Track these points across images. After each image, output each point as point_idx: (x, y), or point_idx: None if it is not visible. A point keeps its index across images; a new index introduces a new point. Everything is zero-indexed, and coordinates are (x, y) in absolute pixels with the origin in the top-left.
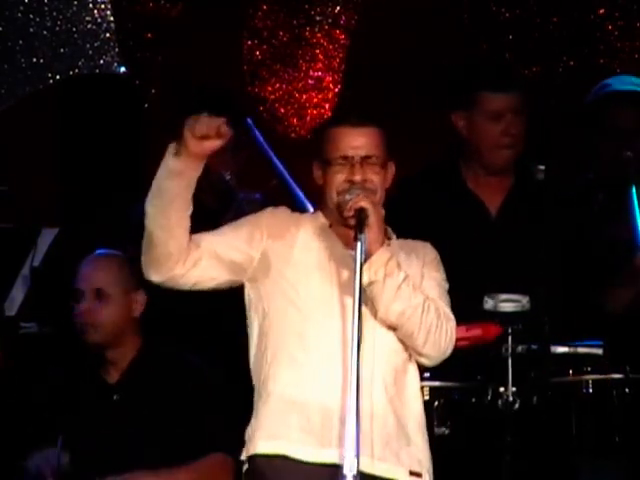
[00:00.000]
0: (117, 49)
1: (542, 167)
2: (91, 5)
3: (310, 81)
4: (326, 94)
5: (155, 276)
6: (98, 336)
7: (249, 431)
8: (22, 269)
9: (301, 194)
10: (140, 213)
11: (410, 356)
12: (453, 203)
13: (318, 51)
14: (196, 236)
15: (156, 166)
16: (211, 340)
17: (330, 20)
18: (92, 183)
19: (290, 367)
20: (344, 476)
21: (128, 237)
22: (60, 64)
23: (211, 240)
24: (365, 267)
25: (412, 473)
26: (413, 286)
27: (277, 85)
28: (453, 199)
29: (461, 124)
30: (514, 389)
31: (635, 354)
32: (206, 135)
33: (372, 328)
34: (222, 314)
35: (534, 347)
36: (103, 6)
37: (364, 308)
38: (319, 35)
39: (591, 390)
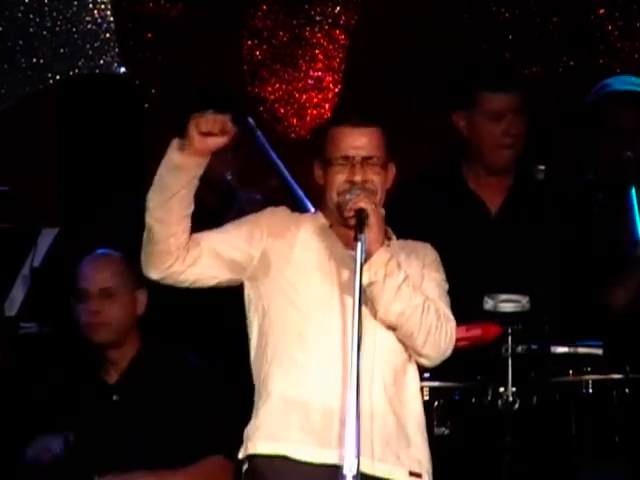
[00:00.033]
0: (117, 49)
1: (542, 167)
2: (91, 5)
3: (310, 81)
4: (326, 94)
5: (154, 273)
6: (107, 335)
7: (248, 430)
8: (22, 269)
9: (302, 194)
10: (140, 213)
11: (410, 356)
12: (454, 203)
13: (318, 51)
14: (196, 234)
15: (156, 166)
16: (211, 340)
17: (330, 20)
18: (92, 183)
19: (290, 367)
20: (344, 476)
21: (128, 237)
22: (60, 64)
23: (211, 238)
24: (365, 267)
25: (412, 474)
26: (413, 287)
27: (277, 85)
28: (454, 199)
29: (462, 124)
30: (514, 389)
31: (635, 354)
32: (211, 132)
33: (372, 328)
34: (222, 314)
35: (534, 347)
36: (103, 6)
37: (364, 308)
38: (319, 35)
39: (591, 390)
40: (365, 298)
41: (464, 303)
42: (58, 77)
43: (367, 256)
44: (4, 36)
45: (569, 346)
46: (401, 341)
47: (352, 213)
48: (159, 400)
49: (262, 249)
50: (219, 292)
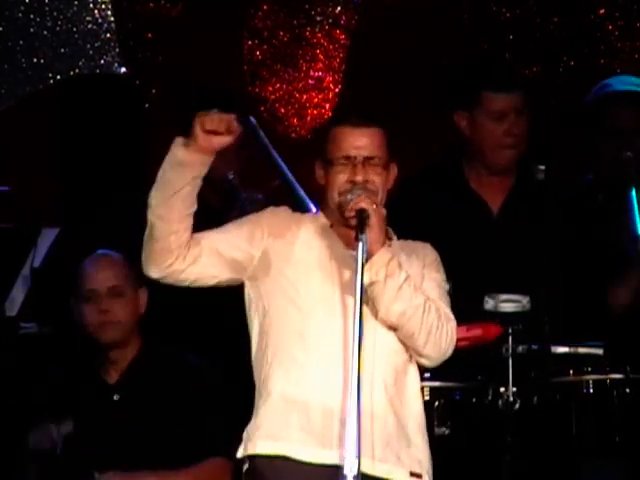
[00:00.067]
0: (117, 49)
1: (542, 167)
2: (91, 5)
3: (310, 81)
4: (326, 94)
5: (154, 271)
6: (116, 333)
7: (248, 430)
8: (22, 269)
9: (304, 195)
10: (140, 213)
11: (410, 357)
12: (455, 203)
13: (318, 51)
14: (197, 234)
15: (157, 166)
16: (211, 340)
17: (330, 20)
18: (92, 183)
19: (290, 366)
20: (344, 477)
21: (128, 237)
22: (60, 64)
23: (212, 238)
24: (366, 267)
25: (412, 474)
26: (414, 287)
27: (277, 85)
28: (455, 199)
29: (463, 124)
30: (514, 389)
31: (635, 354)
32: (216, 130)
33: (373, 328)
34: (222, 314)
35: (534, 347)
36: (103, 6)
37: (365, 308)
38: (319, 35)
39: (591, 390)
40: (366, 298)
41: (465, 303)
42: (58, 77)
43: (368, 256)
44: (4, 36)
45: (569, 346)
46: (402, 341)
47: (353, 213)
48: (159, 400)
49: (263, 249)
50: (219, 292)
